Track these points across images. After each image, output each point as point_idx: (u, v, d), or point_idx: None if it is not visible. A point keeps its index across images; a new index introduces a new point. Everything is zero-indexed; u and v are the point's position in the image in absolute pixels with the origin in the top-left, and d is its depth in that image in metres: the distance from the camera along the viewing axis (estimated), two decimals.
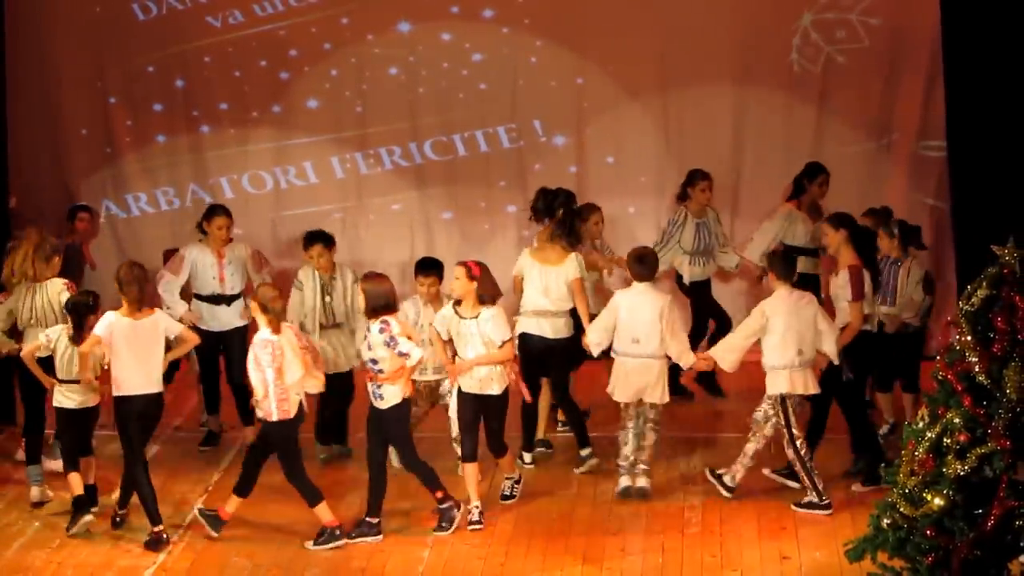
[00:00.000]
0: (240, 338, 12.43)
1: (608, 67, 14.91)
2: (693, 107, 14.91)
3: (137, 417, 10.77)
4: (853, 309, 11.43)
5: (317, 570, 10.38)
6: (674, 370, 12.22)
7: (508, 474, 11.44)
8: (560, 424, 12.77)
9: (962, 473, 8.37)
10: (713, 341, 12.67)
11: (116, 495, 11.14)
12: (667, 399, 11.49)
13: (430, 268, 11.74)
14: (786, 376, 11.17)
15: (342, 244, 13.76)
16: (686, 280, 13.69)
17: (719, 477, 11.40)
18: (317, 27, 15.04)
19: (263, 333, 10.63)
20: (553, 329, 11.99)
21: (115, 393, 10.76)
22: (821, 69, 14.76)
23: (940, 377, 8.67)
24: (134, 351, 10.72)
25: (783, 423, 11.19)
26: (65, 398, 11.07)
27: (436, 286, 11.66)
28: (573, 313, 12.14)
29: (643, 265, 11.44)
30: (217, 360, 12.77)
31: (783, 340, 11.17)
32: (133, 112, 15.28)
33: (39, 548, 10.77)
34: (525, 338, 12.03)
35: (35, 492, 11.55)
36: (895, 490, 8.72)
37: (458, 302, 11.08)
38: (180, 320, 12.32)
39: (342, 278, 12.16)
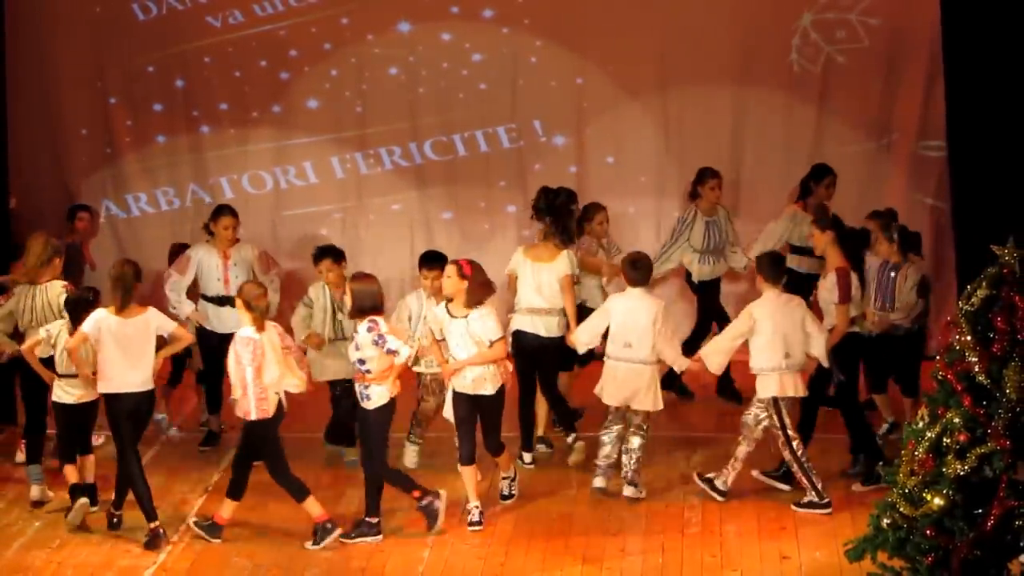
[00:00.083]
0: None
1: (608, 67, 14.91)
2: (693, 107, 14.91)
3: (127, 415, 10.78)
4: (839, 312, 11.44)
5: (317, 570, 10.38)
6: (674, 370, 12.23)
7: (504, 473, 11.41)
8: (556, 424, 12.76)
9: (962, 473, 8.37)
10: None
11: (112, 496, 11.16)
12: (660, 406, 11.47)
13: (434, 261, 11.75)
14: (776, 379, 11.18)
15: (342, 244, 13.73)
16: (695, 279, 13.70)
17: (709, 481, 11.40)
18: (317, 27, 15.04)
19: (246, 331, 10.63)
20: (546, 327, 12.01)
21: (104, 391, 10.79)
22: (821, 69, 14.76)
23: (940, 377, 8.67)
24: (122, 349, 10.72)
25: (778, 425, 11.19)
26: (64, 392, 11.10)
27: (440, 279, 11.64)
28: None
29: (637, 270, 11.44)
30: (220, 360, 12.74)
31: (771, 343, 11.18)
32: (133, 112, 15.28)
33: (39, 548, 10.77)
34: (519, 336, 12.07)
35: (35, 491, 11.55)
36: (895, 490, 8.72)
37: (450, 300, 11.06)
38: (186, 320, 12.35)
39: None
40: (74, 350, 10.85)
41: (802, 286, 12.50)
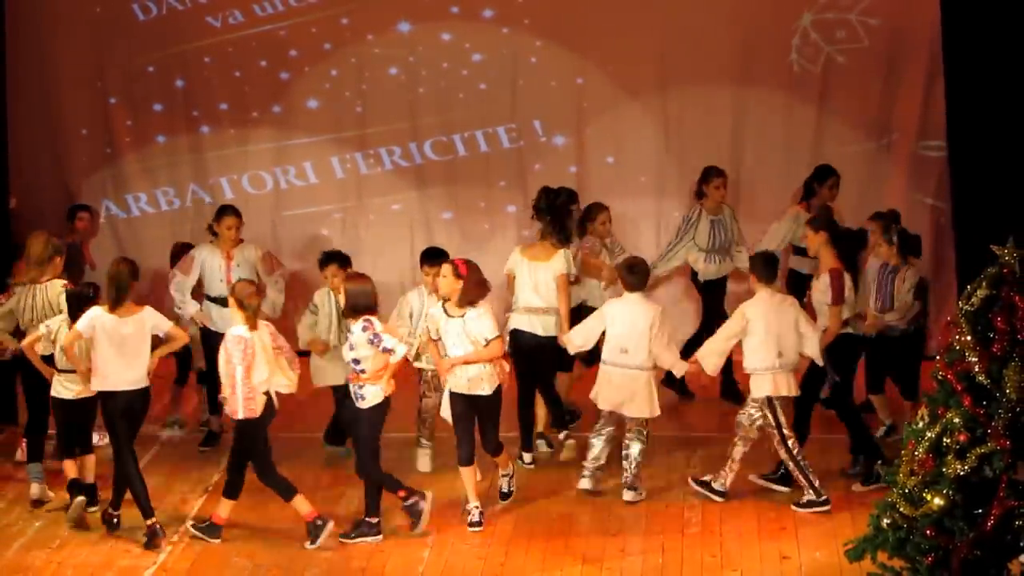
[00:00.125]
0: None
1: (608, 67, 14.92)
2: (693, 107, 14.91)
3: (122, 413, 10.79)
4: (832, 313, 11.44)
5: (317, 570, 10.38)
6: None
7: (503, 470, 11.38)
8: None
9: (962, 473, 8.37)
10: None
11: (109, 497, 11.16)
12: (656, 412, 11.46)
13: (436, 258, 11.72)
14: (770, 379, 11.19)
15: (342, 244, 13.77)
16: (700, 278, 13.70)
17: (706, 485, 11.40)
18: (317, 27, 15.05)
19: (237, 329, 10.63)
20: (544, 326, 12.03)
21: (98, 388, 10.81)
22: (821, 69, 14.77)
23: (940, 377, 8.67)
24: (117, 347, 10.73)
25: (773, 424, 11.20)
26: (63, 388, 11.11)
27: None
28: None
29: (634, 275, 11.43)
30: None
31: (763, 342, 11.19)
32: (133, 112, 15.28)
33: (39, 548, 10.76)
34: (516, 335, 12.10)
35: (35, 489, 11.55)
36: (895, 490, 8.72)
37: (447, 300, 11.06)
38: (191, 320, 12.33)
39: None
40: (68, 347, 10.87)
41: (805, 287, 12.49)
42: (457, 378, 10.99)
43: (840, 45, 14.73)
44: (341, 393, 12.03)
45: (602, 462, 11.56)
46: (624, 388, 11.35)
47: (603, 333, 11.52)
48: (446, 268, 10.94)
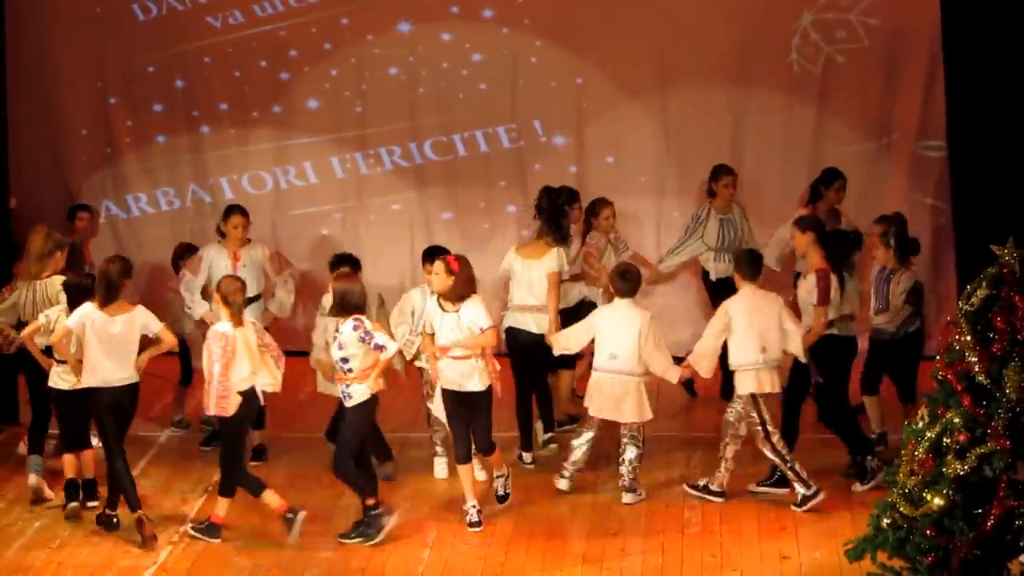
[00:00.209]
0: None
1: (608, 67, 14.92)
2: (693, 107, 14.91)
3: (109, 409, 10.80)
4: (817, 313, 11.44)
5: (317, 570, 10.37)
6: None
7: (497, 471, 11.33)
8: (556, 425, 12.76)
9: (962, 473, 8.37)
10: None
11: (105, 497, 11.17)
12: (648, 416, 11.47)
13: (438, 256, 11.68)
14: (753, 376, 11.22)
15: (342, 244, 13.77)
16: (712, 277, 13.70)
17: (704, 488, 11.40)
18: (317, 27, 15.05)
19: (221, 326, 10.64)
20: (538, 324, 12.06)
21: (85, 384, 10.84)
22: (821, 69, 14.76)
23: (940, 377, 8.66)
24: (104, 345, 10.75)
25: (757, 421, 11.22)
26: (60, 379, 11.12)
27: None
28: (566, 310, 12.26)
29: (625, 281, 11.45)
30: None
31: (746, 338, 11.22)
32: (133, 112, 15.28)
33: (39, 548, 10.76)
34: (512, 333, 12.16)
35: (32, 479, 11.56)
36: (895, 490, 8.72)
37: (442, 296, 11.06)
38: (201, 320, 12.32)
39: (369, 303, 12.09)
40: (57, 342, 10.90)
41: None
42: (448, 375, 10.99)
43: (840, 45, 14.73)
44: None
45: (581, 464, 11.60)
46: (615, 394, 11.37)
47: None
48: (438, 265, 10.96)
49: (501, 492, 11.31)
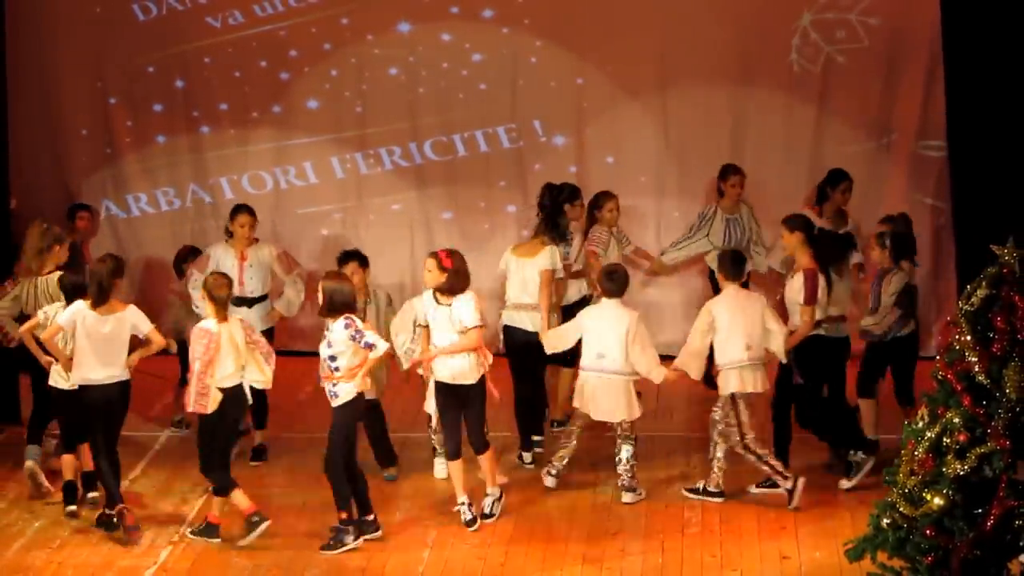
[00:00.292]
0: None
1: (608, 67, 14.91)
2: (693, 107, 14.91)
3: (96, 407, 10.82)
4: (803, 312, 11.44)
5: (317, 570, 10.37)
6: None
7: (490, 489, 11.23)
8: (555, 424, 12.76)
9: (962, 473, 8.37)
10: None
11: (101, 496, 11.18)
12: (636, 414, 11.48)
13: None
14: (737, 374, 11.23)
15: (341, 245, 13.75)
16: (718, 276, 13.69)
17: (703, 490, 11.40)
18: (317, 27, 15.04)
19: (206, 323, 10.65)
20: (532, 322, 12.08)
21: (76, 381, 10.85)
22: (821, 69, 14.76)
23: (940, 377, 8.66)
24: (93, 344, 10.76)
25: (733, 422, 11.23)
26: (60, 377, 11.12)
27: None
28: (568, 307, 12.27)
29: (612, 282, 11.47)
30: None
31: (729, 336, 11.25)
32: (133, 112, 15.28)
33: (39, 548, 10.77)
34: (508, 331, 12.21)
35: (29, 465, 11.59)
36: (895, 490, 8.72)
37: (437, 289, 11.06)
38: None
39: (376, 301, 12.01)
40: (48, 339, 10.91)
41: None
42: (441, 368, 10.98)
43: (840, 45, 14.72)
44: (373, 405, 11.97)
45: (566, 461, 11.63)
46: (603, 394, 11.39)
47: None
48: (430, 261, 10.97)
49: (487, 511, 11.17)
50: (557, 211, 12.41)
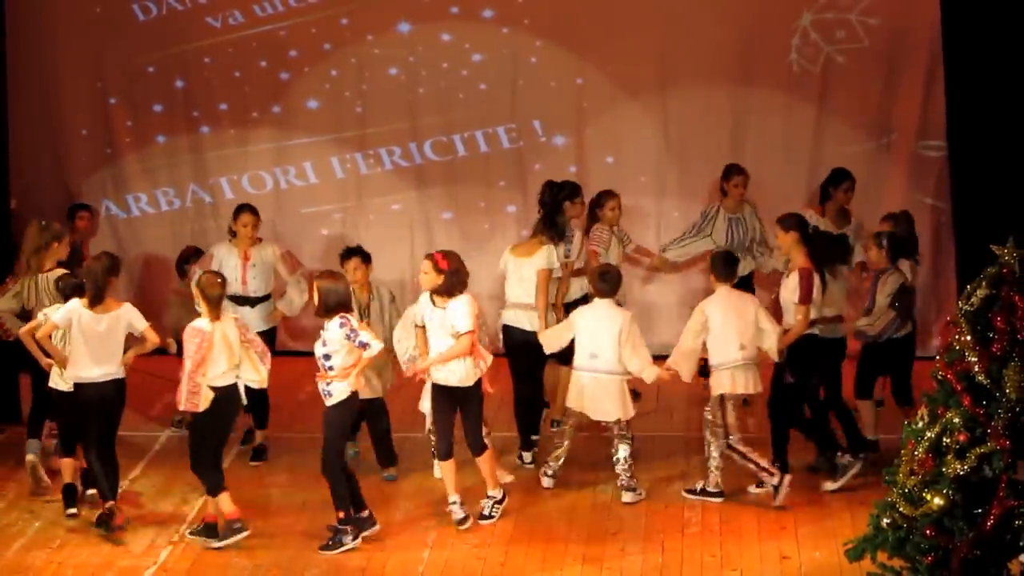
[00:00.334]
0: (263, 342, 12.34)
1: (608, 67, 14.92)
2: (693, 107, 14.92)
3: (93, 404, 10.83)
4: (798, 312, 11.43)
5: (317, 570, 10.37)
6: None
7: (491, 491, 11.23)
8: (555, 424, 12.76)
9: (962, 473, 8.37)
10: None
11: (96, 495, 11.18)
12: (630, 414, 11.49)
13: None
14: (729, 375, 11.24)
15: (342, 244, 13.74)
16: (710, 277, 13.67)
17: (702, 491, 11.40)
18: (317, 27, 15.05)
19: (198, 322, 10.65)
20: (531, 322, 12.08)
21: (70, 379, 10.86)
22: (821, 69, 14.77)
23: (940, 377, 8.67)
24: (88, 342, 10.78)
25: (720, 422, 11.24)
26: (60, 379, 11.11)
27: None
28: (567, 306, 12.28)
29: (605, 282, 11.49)
30: None
31: (722, 336, 11.26)
32: (133, 112, 15.29)
33: (39, 548, 10.76)
34: (507, 331, 12.23)
35: (30, 459, 11.62)
36: (895, 490, 8.72)
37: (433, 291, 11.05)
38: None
39: (379, 298, 12.01)
40: (43, 338, 10.92)
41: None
42: (436, 371, 10.98)
43: (840, 45, 14.73)
44: (376, 405, 11.95)
45: (562, 460, 11.64)
46: (595, 393, 11.41)
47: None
48: (426, 263, 10.95)
49: (487, 512, 11.17)
50: (556, 209, 12.42)
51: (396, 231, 15.23)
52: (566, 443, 11.64)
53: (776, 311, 11.72)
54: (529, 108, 15.07)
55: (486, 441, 11.21)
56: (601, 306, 11.48)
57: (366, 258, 11.99)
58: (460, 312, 10.84)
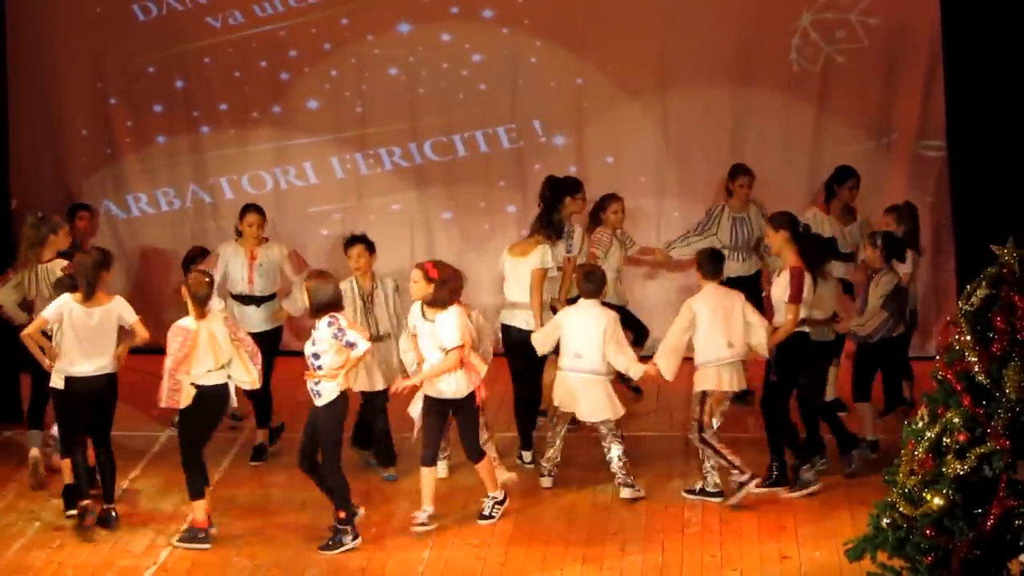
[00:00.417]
0: (267, 341, 12.28)
1: (607, 67, 14.92)
2: (693, 107, 14.91)
3: (83, 399, 10.82)
4: (788, 310, 11.42)
5: (317, 570, 10.38)
6: None
7: (491, 492, 11.22)
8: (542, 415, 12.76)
9: (961, 473, 8.37)
10: None
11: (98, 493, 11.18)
12: (619, 413, 11.50)
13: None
14: (714, 372, 11.24)
15: (342, 244, 13.74)
16: (724, 275, 13.67)
17: (701, 491, 11.39)
18: (317, 27, 15.05)
19: (184, 320, 10.66)
20: (527, 322, 12.09)
21: (62, 373, 10.85)
22: (820, 69, 14.76)
23: (940, 377, 8.67)
24: (78, 336, 10.78)
25: (696, 416, 11.24)
26: (59, 378, 11.09)
27: None
28: (570, 302, 12.29)
29: (589, 282, 11.51)
30: None
31: (710, 333, 11.26)
32: (133, 112, 15.28)
33: (40, 548, 10.77)
34: (505, 330, 12.25)
35: (34, 452, 11.64)
36: (895, 490, 8.72)
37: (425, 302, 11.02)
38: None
39: (383, 288, 12.00)
40: (33, 333, 10.95)
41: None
42: (427, 383, 10.95)
43: (840, 45, 14.73)
44: (365, 399, 11.94)
45: (558, 460, 11.66)
46: (581, 393, 11.43)
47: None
48: (416, 272, 10.93)
49: (486, 512, 11.17)
50: (554, 205, 12.43)
51: (396, 231, 15.22)
52: (558, 442, 11.64)
53: (771, 311, 11.68)
54: (529, 108, 15.07)
55: (485, 447, 11.27)
56: (586, 306, 11.49)
57: (370, 246, 11.99)
58: (447, 327, 10.79)
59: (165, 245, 15.10)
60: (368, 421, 12.06)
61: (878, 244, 12.01)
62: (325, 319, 10.58)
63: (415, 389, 11.16)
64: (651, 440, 12.55)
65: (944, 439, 8.49)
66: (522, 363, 12.20)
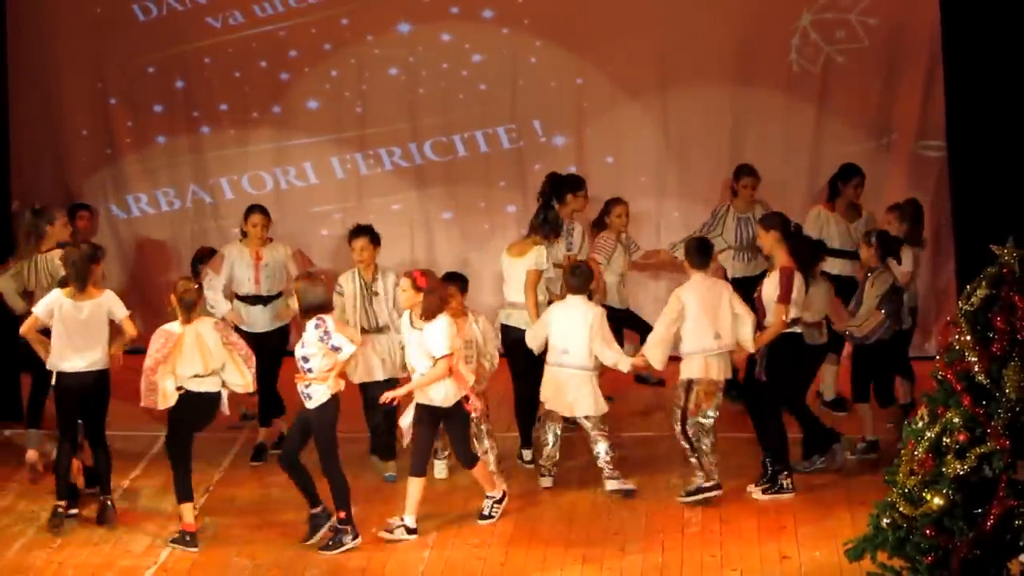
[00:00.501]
0: (273, 340, 12.32)
1: (607, 67, 14.92)
2: (693, 107, 14.91)
3: (75, 395, 10.82)
4: (777, 310, 11.42)
5: (317, 570, 10.38)
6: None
7: (489, 493, 11.22)
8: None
9: (961, 473, 8.37)
10: None
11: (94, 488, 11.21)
12: (603, 409, 11.50)
13: (451, 282, 11.53)
14: (700, 361, 11.23)
15: (342, 245, 13.75)
16: (729, 275, 13.68)
17: (698, 491, 11.37)
18: (317, 28, 15.05)
19: (168, 325, 10.67)
20: (525, 321, 12.08)
21: (52, 368, 10.87)
22: (820, 69, 14.77)
23: (940, 377, 8.67)
24: (69, 331, 10.78)
25: (680, 405, 11.24)
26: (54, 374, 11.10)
27: (457, 297, 11.50)
28: None
29: (576, 278, 11.53)
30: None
31: (698, 323, 11.24)
32: (133, 113, 15.29)
33: (40, 548, 10.77)
34: (505, 330, 12.24)
35: (31, 455, 11.62)
36: (895, 490, 8.72)
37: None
38: (223, 319, 12.29)
39: (384, 280, 12.01)
40: (28, 332, 10.94)
41: (839, 288, 12.37)
42: (418, 392, 10.92)
43: (840, 45, 14.73)
44: (369, 392, 11.91)
45: (557, 458, 11.66)
46: (568, 388, 11.43)
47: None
48: (404, 281, 10.88)
49: (486, 512, 11.16)
50: (550, 203, 12.44)
51: (396, 231, 15.19)
52: (552, 440, 11.62)
53: (764, 311, 11.66)
54: (529, 108, 15.07)
55: (484, 458, 11.33)
56: (573, 302, 11.50)
57: (375, 239, 11.98)
58: (435, 336, 10.73)
59: (165, 245, 15.09)
60: (372, 421, 12.04)
61: (872, 243, 12.01)
62: (313, 321, 10.58)
63: (408, 398, 11.10)
64: (651, 440, 12.56)
65: (944, 439, 8.49)
66: (521, 362, 12.20)
